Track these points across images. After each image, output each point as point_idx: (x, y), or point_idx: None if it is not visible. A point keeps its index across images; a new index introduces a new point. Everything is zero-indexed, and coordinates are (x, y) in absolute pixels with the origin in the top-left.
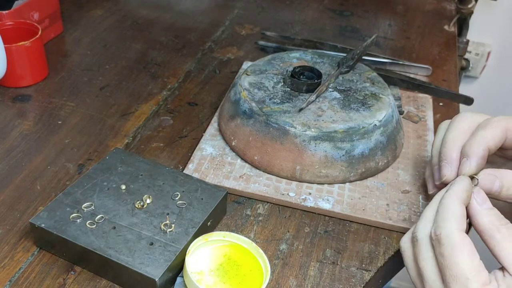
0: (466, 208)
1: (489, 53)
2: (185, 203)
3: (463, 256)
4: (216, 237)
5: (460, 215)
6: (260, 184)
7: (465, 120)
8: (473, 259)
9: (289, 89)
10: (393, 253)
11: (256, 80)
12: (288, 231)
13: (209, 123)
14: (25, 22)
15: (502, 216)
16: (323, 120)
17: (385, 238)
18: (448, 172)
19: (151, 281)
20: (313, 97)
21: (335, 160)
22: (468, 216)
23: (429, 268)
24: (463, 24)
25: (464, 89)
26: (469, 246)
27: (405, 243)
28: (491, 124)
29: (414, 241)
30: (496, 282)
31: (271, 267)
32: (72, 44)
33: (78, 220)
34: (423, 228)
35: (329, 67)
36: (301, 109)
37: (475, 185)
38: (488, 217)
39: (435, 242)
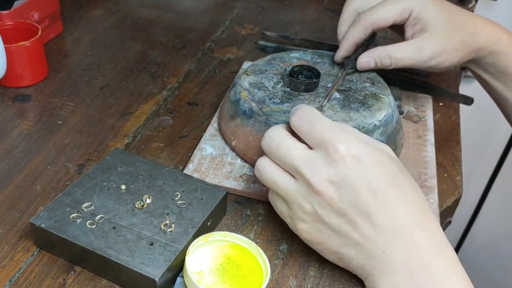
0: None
1: None
2: (185, 203)
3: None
4: (216, 237)
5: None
6: (260, 184)
7: (352, 3)
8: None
9: (289, 89)
10: None
11: (256, 80)
12: (288, 231)
13: (209, 123)
14: (25, 22)
15: None
16: None
17: None
18: (337, 54)
19: (151, 281)
20: (325, 101)
21: None
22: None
23: (277, 174)
24: None
25: (464, 89)
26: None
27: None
28: (357, 23)
29: (257, 174)
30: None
31: (271, 267)
32: (72, 44)
33: (78, 220)
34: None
35: (329, 67)
36: None
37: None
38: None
39: (268, 153)
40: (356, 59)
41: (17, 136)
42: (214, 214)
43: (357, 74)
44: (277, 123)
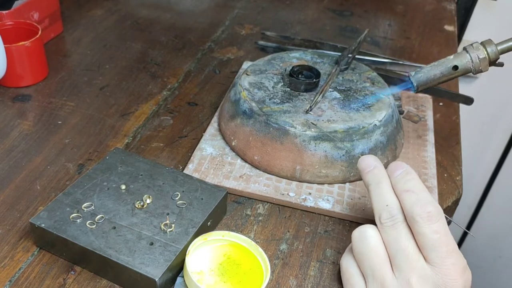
0: None
1: None
2: (185, 203)
3: None
4: (215, 236)
5: None
6: (260, 184)
7: None
8: None
9: (289, 89)
10: None
11: (256, 80)
12: (288, 231)
13: (209, 123)
14: (25, 22)
15: None
16: (323, 120)
17: None
18: None
19: (151, 281)
20: (319, 97)
21: (335, 160)
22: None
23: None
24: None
25: (464, 89)
26: None
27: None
28: None
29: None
30: None
31: (271, 267)
32: (72, 44)
33: (78, 220)
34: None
35: (329, 67)
36: (307, 111)
37: None
38: None
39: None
40: (348, 55)
41: (17, 136)
42: (214, 214)
43: (357, 74)
44: (277, 123)
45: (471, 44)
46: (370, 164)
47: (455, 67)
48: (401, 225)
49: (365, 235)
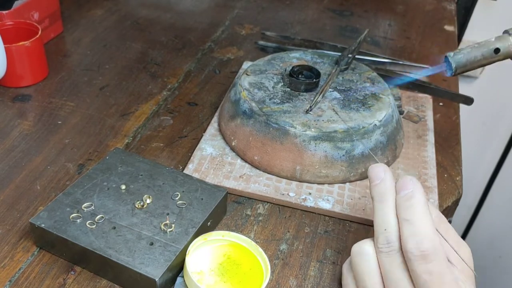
0: None
1: None
2: (185, 203)
3: None
4: (215, 236)
5: None
6: (260, 184)
7: None
8: None
9: (289, 89)
10: None
11: (256, 80)
12: (288, 231)
13: (209, 123)
14: (25, 22)
15: None
16: (323, 120)
17: None
18: None
19: (151, 281)
20: (319, 97)
21: (335, 160)
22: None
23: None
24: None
25: (464, 89)
26: None
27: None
28: None
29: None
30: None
31: (271, 267)
32: (72, 44)
33: (78, 220)
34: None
35: (329, 67)
36: (307, 111)
37: None
38: None
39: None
40: (348, 55)
41: (17, 136)
42: (214, 214)
43: (357, 74)
44: (277, 123)
45: None
46: (379, 177)
47: (497, 50)
48: (396, 254)
49: (362, 252)
